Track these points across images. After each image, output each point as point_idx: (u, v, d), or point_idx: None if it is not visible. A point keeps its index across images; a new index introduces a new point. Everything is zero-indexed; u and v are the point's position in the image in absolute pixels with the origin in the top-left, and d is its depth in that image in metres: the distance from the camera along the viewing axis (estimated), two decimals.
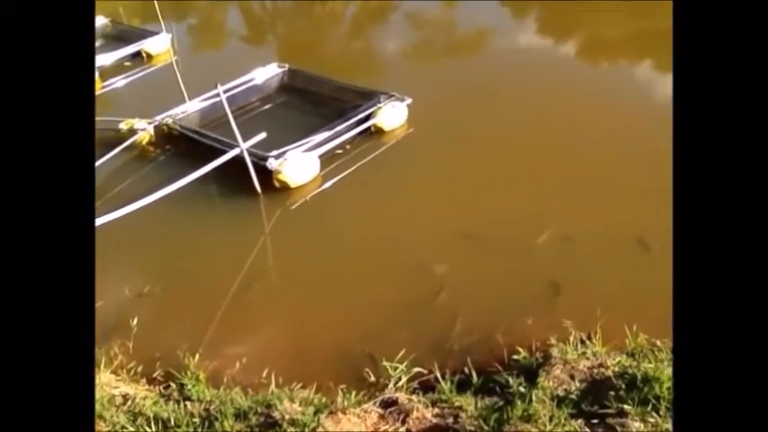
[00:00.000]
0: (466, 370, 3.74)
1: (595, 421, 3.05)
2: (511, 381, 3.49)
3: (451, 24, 10.96)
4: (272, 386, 3.75)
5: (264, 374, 3.87)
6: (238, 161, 5.79)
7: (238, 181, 5.83)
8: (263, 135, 5.78)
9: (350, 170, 6.12)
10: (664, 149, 5.61)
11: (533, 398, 3.24)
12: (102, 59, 8.87)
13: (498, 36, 9.64)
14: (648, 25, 9.43)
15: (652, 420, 2.92)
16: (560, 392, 3.34)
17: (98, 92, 8.21)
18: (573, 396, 3.29)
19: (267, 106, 7.48)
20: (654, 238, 4.73)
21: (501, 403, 3.35)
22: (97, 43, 9.58)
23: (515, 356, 3.77)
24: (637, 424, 2.92)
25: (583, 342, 3.83)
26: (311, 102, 7.32)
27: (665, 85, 7.59)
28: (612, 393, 3.20)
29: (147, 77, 8.92)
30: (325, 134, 6.19)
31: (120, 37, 9.87)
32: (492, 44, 9.54)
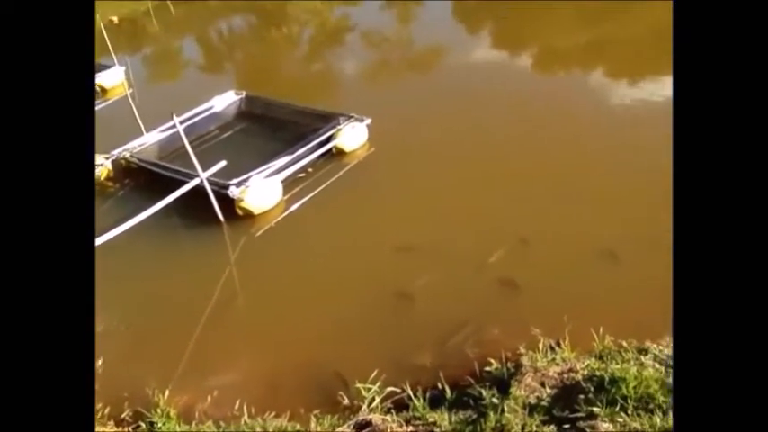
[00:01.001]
0: (439, 385, 3.75)
1: (567, 426, 3.08)
2: (484, 393, 3.51)
3: (408, 42, 11.13)
4: (245, 417, 3.70)
5: (237, 406, 3.81)
6: (200, 191, 5.74)
7: (201, 211, 5.78)
8: (222, 163, 5.75)
9: (313, 193, 6.13)
10: (621, 156, 5.92)
11: (505, 408, 3.26)
12: None
13: (454, 52, 9.81)
14: (596, 35, 9.75)
15: (620, 420, 2.97)
16: (532, 400, 3.37)
17: None
18: (544, 403, 3.32)
19: (226, 134, 7.46)
20: (615, 243, 4.85)
21: (474, 416, 3.36)
22: None
23: (487, 368, 3.79)
24: (606, 425, 2.96)
25: (552, 348, 3.87)
26: (270, 127, 7.32)
27: (617, 90, 7.84)
28: (582, 397, 3.24)
29: (102, 112, 8.78)
30: (287, 159, 6.19)
31: None
32: (449, 60, 9.70)
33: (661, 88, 7.67)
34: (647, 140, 6.33)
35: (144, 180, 6.60)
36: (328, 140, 6.58)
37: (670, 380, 3.18)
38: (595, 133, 6.62)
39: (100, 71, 9.35)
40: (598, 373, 3.40)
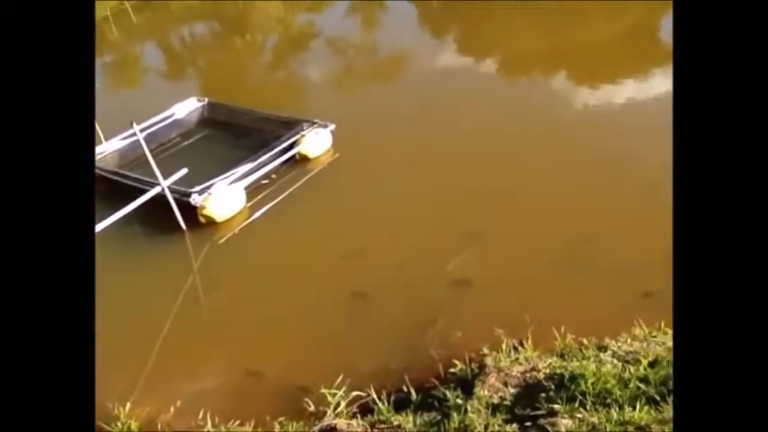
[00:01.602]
0: (404, 388, 3.76)
1: (528, 424, 3.13)
2: (448, 394, 3.54)
3: (372, 48, 11.18)
4: (209, 427, 3.66)
5: (201, 416, 3.76)
6: (162, 200, 5.65)
7: (163, 220, 5.69)
8: (184, 171, 5.68)
9: (277, 200, 6.09)
10: (584, 157, 6.05)
11: (469, 408, 3.30)
12: None
13: (419, 57, 9.87)
14: (557, 41, 9.95)
15: (579, 416, 3.04)
16: (495, 400, 3.41)
17: None
18: (507, 402, 3.37)
19: (188, 141, 7.37)
20: (574, 243, 4.96)
21: (439, 417, 3.39)
22: None
23: (452, 369, 3.83)
24: (566, 421, 3.02)
25: (515, 348, 3.93)
26: (233, 134, 7.25)
27: (579, 94, 8.02)
28: (544, 395, 3.30)
29: None
30: (250, 165, 6.15)
31: None
32: (413, 66, 9.75)
33: (621, 91, 7.91)
34: (609, 141, 6.56)
35: (104, 189, 6.42)
36: (292, 147, 6.56)
37: (626, 374, 3.27)
38: (558, 136, 6.75)
39: None
40: (559, 371, 3.46)
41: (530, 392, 3.43)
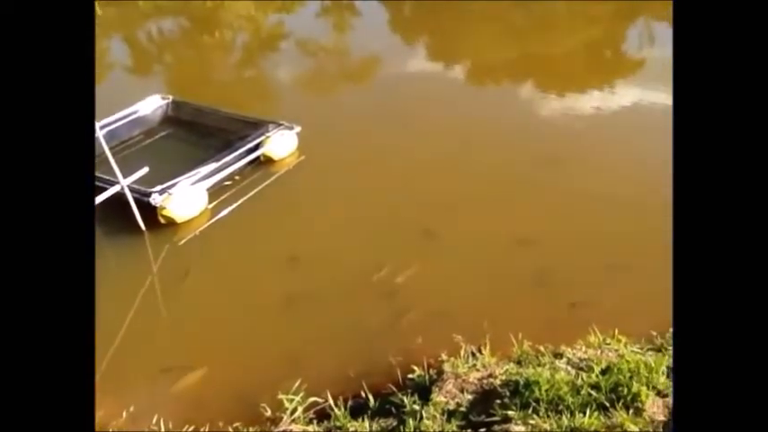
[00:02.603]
0: (363, 394, 3.76)
1: (482, 430, 3.16)
2: (405, 400, 3.55)
3: (343, 51, 11.16)
4: None
5: (154, 421, 3.69)
6: (121, 199, 5.53)
7: (121, 219, 5.56)
8: (145, 170, 5.56)
9: (240, 201, 6.03)
10: (553, 155, 6.15)
11: (425, 414, 3.31)
12: None
13: (389, 62, 9.90)
14: (526, 50, 10.11)
15: (532, 422, 3.08)
16: (451, 406, 3.43)
17: None
18: (463, 408, 3.39)
19: (151, 140, 7.22)
20: (535, 248, 5.04)
21: (395, 423, 3.40)
22: None
23: (410, 375, 3.84)
24: (519, 427, 3.06)
25: (474, 355, 3.97)
26: (197, 133, 7.14)
27: (545, 102, 8.16)
28: (499, 401, 3.33)
29: None
30: (213, 166, 6.05)
31: None
32: (383, 70, 9.79)
33: (588, 100, 8.08)
34: (577, 147, 6.75)
35: None
36: (257, 148, 6.50)
37: (579, 381, 3.32)
38: (524, 143, 6.86)
39: None
40: (515, 378, 3.50)
41: (486, 399, 3.46)
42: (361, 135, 7.11)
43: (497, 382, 3.59)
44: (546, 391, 3.21)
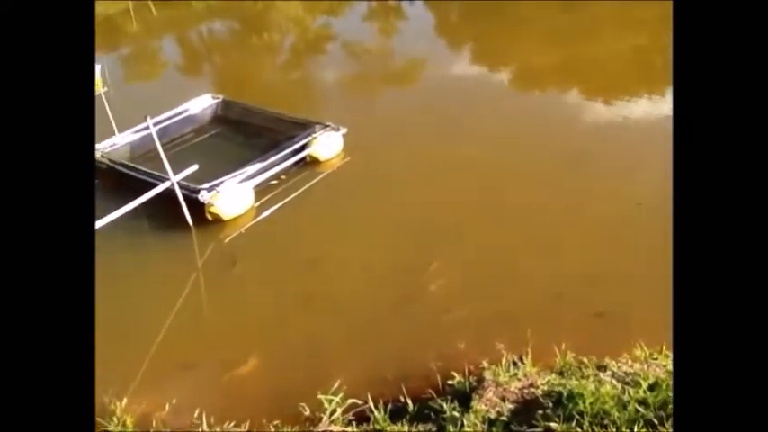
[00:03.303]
0: (401, 398, 3.74)
1: None
2: (445, 406, 3.51)
3: (388, 53, 11.19)
4: (203, 426, 3.64)
5: (195, 415, 3.74)
6: (170, 195, 5.67)
7: (170, 215, 5.71)
8: (194, 167, 5.70)
9: (285, 201, 6.10)
10: (593, 160, 6.00)
11: (465, 422, 3.27)
12: None
13: (434, 66, 9.87)
14: (571, 54, 9.92)
15: None
16: (492, 414, 3.39)
17: None
18: (504, 417, 3.34)
19: (200, 138, 7.39)
20: (579, 256, 4.93)
21: (434, 429, 3.38)
22: None
23: (450, 381, 3.80)
24: None
25: (515, 363, 3.90)
26: (245, 133, 7.28)
27: (591, 108, 7.99)
28: (541, 412, 3.27)
29: None
30: (260, 165, 6.16)
31: None
32: (428, 74, 9.76)
33: (631, 108, 7.87)
34: (628, 156, 6.54)
35: (114, 181, 6.49)
36: (303, 148, 6.57)
37: (625, 396, 3.23)
38: (566, 152, 6.72)
39: None
40: (557, 389, 3.43)
41: (527, 409, 3.40)
42: (405, 138, 7.11)
43: (539, 392, 3.53)
44: (591, 404, 3.14)
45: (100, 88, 7.45)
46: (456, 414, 3.41)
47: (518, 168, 6.37)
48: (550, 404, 3.30)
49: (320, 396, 3.74)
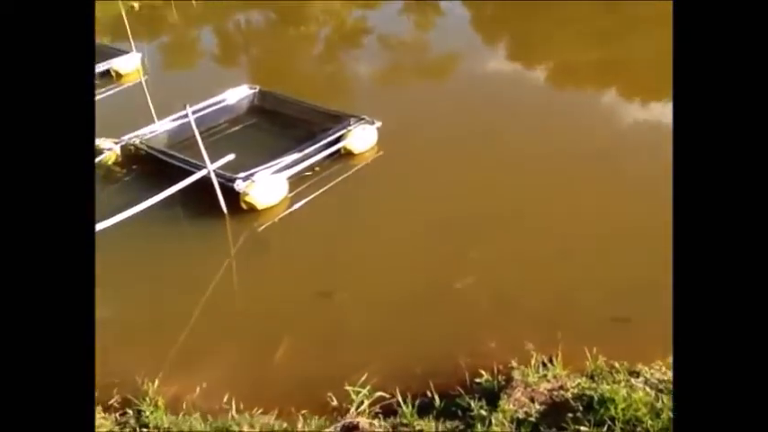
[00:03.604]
0: (429, 393, 3.74)
1: None
2: (473, 404, 3.50)
3: (423, 48, 11.14)
4: (233, 412, 3.70)
5: (225, 400, 3.81)
6: (206, 183, 5.76)
7: (205, 203, 5.80)
8: (231, 156, 5.77)
9: (318, 192, 6.14)
10: (643, 174, 5.88)
11: (493, 421, 3.26)
12: None
13: (469, 60, 9.80)
14: (610, 54, 9.73)
15: None
16: (520, 415, 3.36)
17: None
18: (532, 419, 3.31)
19: (237, 127, 7.48)
20: (616, 261, 4.84)
21: (462, 427, 3.36)
22: None
23: (478, 379, 3.78)
24: None
25: (544, 365, 3.86)
26: (281, 123, 7.34)
27: (629, 109, 7.83)
28: (570, 415, 3.23)
29: (115, 96, 8.85)
30: (295, 156, 6.20)
31: None
32: (463, 68, 9.68)
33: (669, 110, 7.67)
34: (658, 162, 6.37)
35: (151, 168, 6.62)
36: (338, 140, 6.59)
37: (659, 404, 3.17)
38: (603, 154, 6.59)
39: (117, 56, 9.42)
40: (588, 393, 3.39)
41: (556, 411, 3.36)
42: (439, 134, 7.06)
43: (569, 395, 3.49)
44: (622, 410, 3.09)
45: (140, 76, 7.62)
46: (484, 413, 3.39)
47: (553, 167, 6.27)
48: (580, 408, 3.26)
49: (348, 387, 3.77)
